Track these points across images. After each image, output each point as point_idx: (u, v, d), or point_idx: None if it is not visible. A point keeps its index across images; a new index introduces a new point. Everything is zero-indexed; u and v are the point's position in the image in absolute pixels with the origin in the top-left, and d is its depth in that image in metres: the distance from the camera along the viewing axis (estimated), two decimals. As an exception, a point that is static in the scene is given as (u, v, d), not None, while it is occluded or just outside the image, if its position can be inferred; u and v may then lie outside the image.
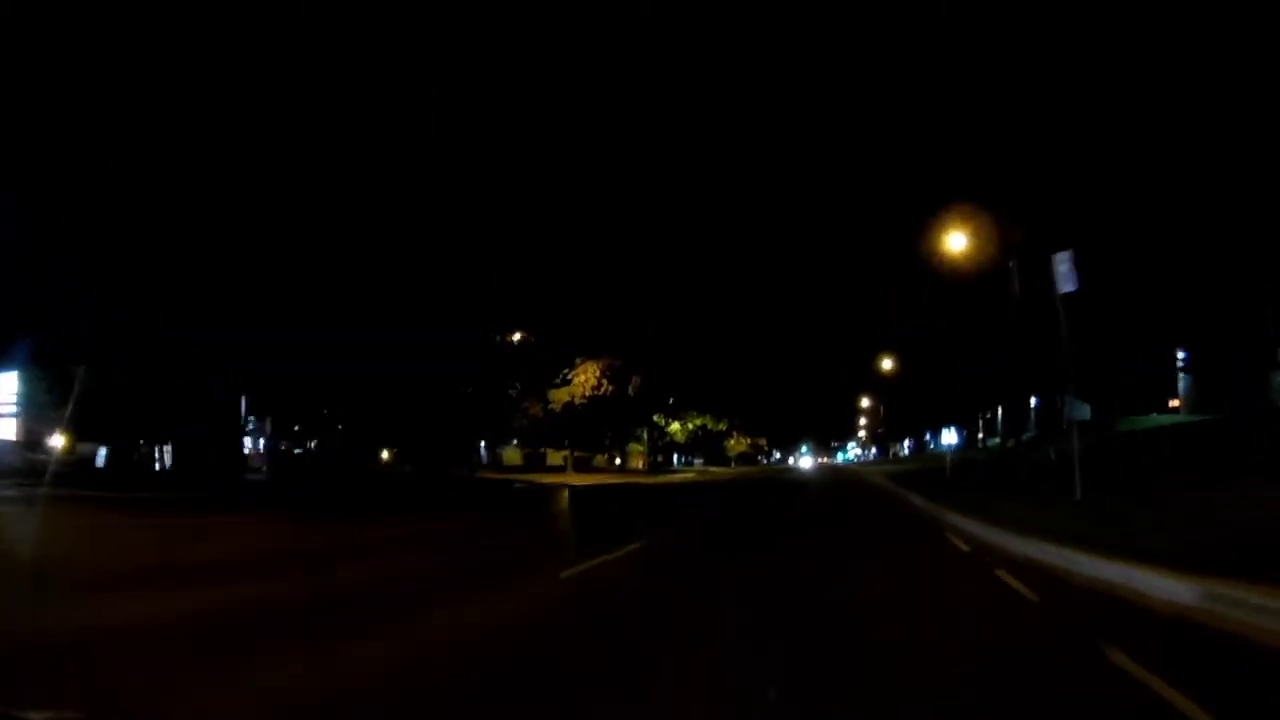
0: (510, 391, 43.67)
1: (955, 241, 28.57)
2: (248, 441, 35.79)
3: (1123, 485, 14.86)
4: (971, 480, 25.36)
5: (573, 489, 32.51)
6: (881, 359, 68.22)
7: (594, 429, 58.23)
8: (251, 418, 32.41)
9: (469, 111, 39.77)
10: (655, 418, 71.12)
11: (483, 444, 67.16)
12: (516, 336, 46.79)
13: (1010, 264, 29.09)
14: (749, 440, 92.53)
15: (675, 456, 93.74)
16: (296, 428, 41.49)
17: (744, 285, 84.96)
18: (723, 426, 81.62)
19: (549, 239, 45.54)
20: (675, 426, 74.99)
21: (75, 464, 32.03)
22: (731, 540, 13.34)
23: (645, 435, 73.10)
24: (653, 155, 66.51)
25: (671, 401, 72.25)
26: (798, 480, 38.83)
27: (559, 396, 50.56)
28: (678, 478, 48.14)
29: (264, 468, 32.46)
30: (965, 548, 10.89)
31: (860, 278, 74.30)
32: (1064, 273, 13.53)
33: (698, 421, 76.58)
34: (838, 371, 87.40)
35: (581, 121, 56.22)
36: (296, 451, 43.40)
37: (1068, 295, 13.63)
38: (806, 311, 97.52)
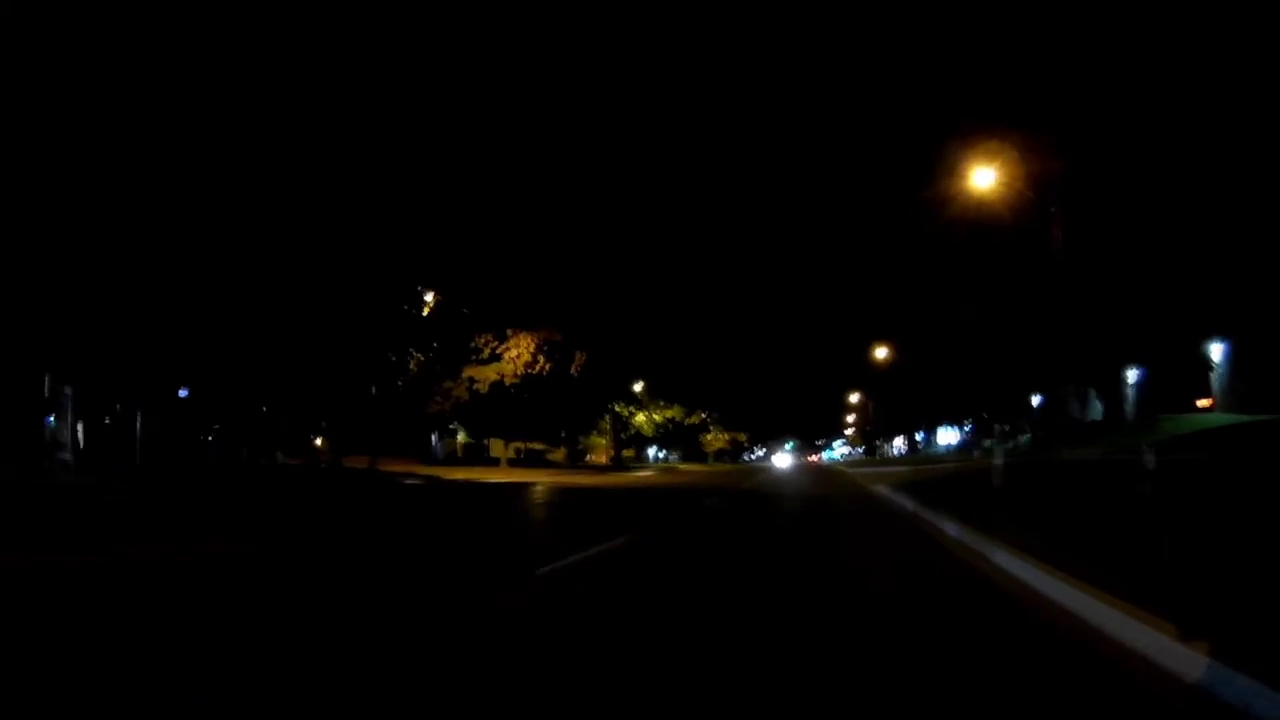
0: (409, 365, 36.07)
1: (980, 178, 20.90)
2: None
3: None
4: (1065, 505, 11.71)
5: (415, 494, 25.42)
6: (874, 348, 60.83)
7: (535, 416, 50.57)
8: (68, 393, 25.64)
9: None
10: (616, 407, 63.51)
11: (435, 435, 59.56)
12: (429, 298, 39.33)
13: (1051, 210, 21.95)
14: (728, 435, 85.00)
15: (651, 451, 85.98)
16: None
17: (716, 260, 77.35)
18: (696, 420, 74.01)
19: (468, 183, 38.18)
20: (641, 417, 67.40)
21: None
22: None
23: (608, 426, 65.62)
24: (604, 105, 59.09)
25: (637, 389, 64.70)
26: (765, 489, 24.00)
27: (484, 375, 42.79)
28: (622, 479, 40.51)
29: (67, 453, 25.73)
30: None
31: (853, 259, 66.79)
32: None
33: (667, 413, 68.98)
34: (825, 362, 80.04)
35: (530, 66, 48.99)
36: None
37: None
38: (792, 296, 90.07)
